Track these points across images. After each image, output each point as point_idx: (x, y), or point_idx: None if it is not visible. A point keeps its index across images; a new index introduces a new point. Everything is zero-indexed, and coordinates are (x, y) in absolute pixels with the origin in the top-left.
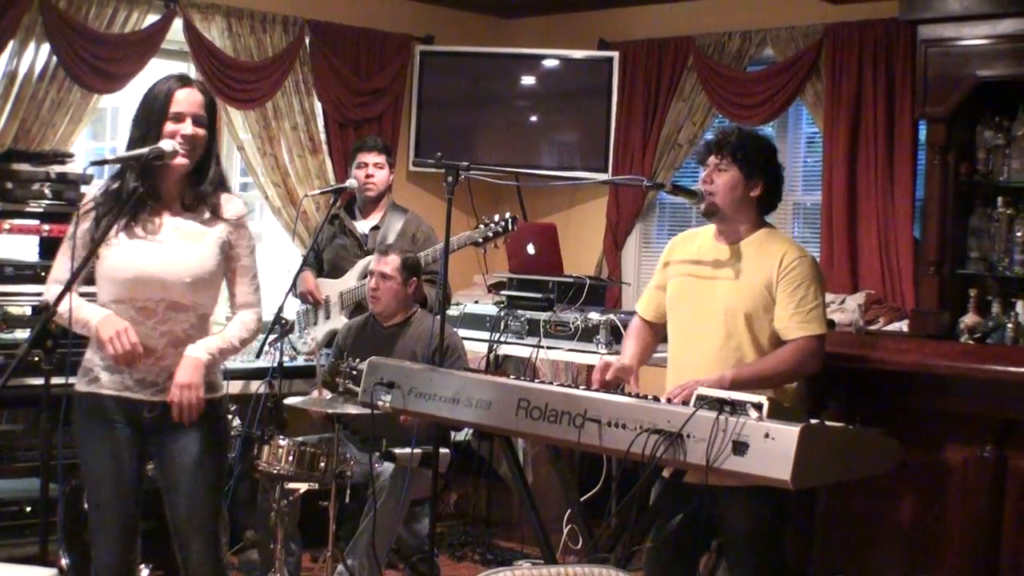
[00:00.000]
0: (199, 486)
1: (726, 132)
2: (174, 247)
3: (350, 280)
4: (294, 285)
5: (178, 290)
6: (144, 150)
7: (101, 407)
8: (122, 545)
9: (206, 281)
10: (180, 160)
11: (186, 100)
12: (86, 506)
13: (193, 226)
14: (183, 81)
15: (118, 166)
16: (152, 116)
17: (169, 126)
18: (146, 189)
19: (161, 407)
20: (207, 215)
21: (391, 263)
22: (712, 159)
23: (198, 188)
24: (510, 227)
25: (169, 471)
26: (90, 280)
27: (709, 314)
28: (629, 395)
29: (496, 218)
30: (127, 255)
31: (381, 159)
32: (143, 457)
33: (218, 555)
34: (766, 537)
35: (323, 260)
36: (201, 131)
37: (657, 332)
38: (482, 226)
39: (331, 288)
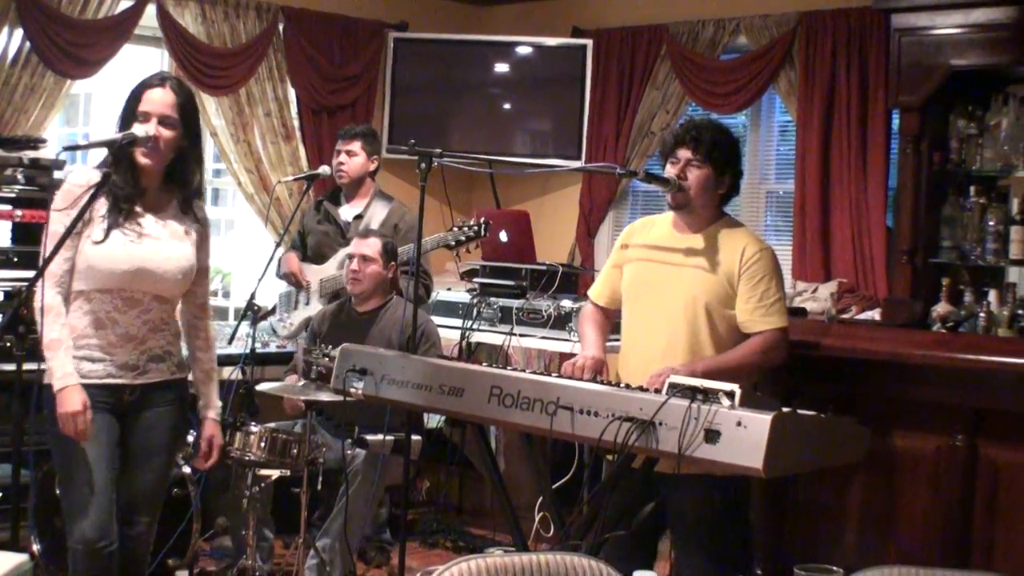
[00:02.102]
0: (161, 464)
1: (699, 126)
2: (167, 245)
3: (330, 268)
4: (278, 266)
5: (168, 284)
6: (117, 135)
7: (96, 394)
8: (107, 523)
9: (189, 278)
10: (143, 160)
11: (154, 100)
12: (59, 490)
13: (179, 227)
14: (161, 81)
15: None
16: (124, 113)
17: (136, 126)
18: (124, 182)
19: (140, 389)
20: (188, 218)
21: (372, 245)
22: (685, 152)
23: (186, 195)
24: (482, 233)
25: (136, 448)
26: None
27: (668, 302)
28: (602, 383)
29: (470, 222)
30: (126, 249)
31: (353, 146)
32: (120, 438)
33: (153, 534)
34: (716, 525)
35: (307, 244)
36: (167, 132)
37: (610, 318)
38: (455, 228)
39: (312, 275)
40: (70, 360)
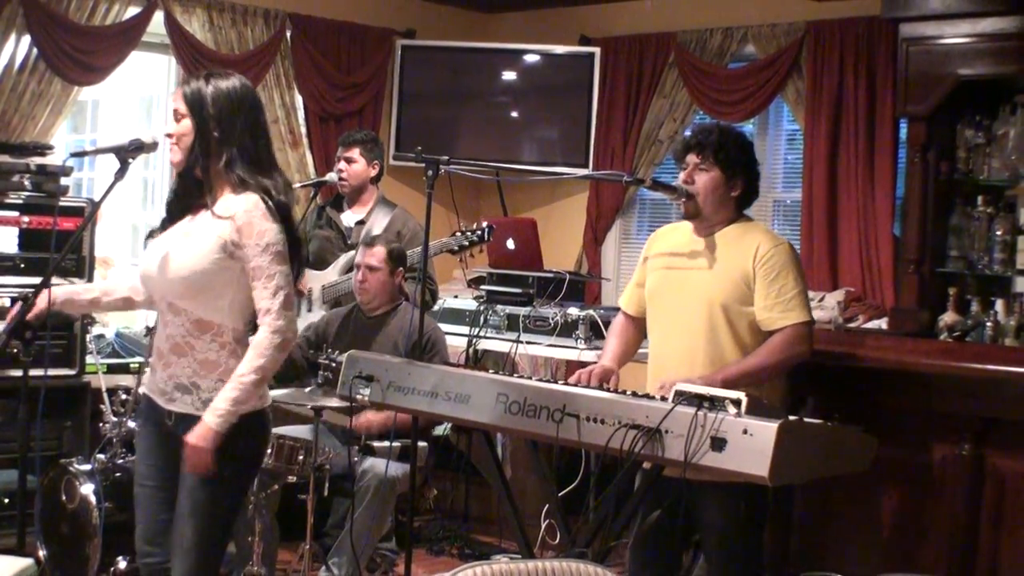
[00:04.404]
0: (185, 504)
1: (706, 130)
2: (173, 246)
3: (331, 274)
4: None
5: (170, 290)
6: (124, 141)
7: (145, 407)
8: (153, 536)
9: (195, 283)
10: (170, 158)
11: (173, 101)
12: None
13: (200, 223)
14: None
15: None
16: None
17: None
18: (173, 189)
19: (176, 417)
20: (212, 211)
21: (378, 254)
22: (692, 157)
23: (205, 188)
24: (486, 237)
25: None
26: None
27: (687, 306)
28: (608, 390)
29: (473, 226)
30: (143, 256)
31: (352, 153)
32: (172, 459)
33: None
34: (742, 533)
35: (308, 251)
36: (178, 127)
37: (640, 328)
38: (458, 234)
39: (314, 280)
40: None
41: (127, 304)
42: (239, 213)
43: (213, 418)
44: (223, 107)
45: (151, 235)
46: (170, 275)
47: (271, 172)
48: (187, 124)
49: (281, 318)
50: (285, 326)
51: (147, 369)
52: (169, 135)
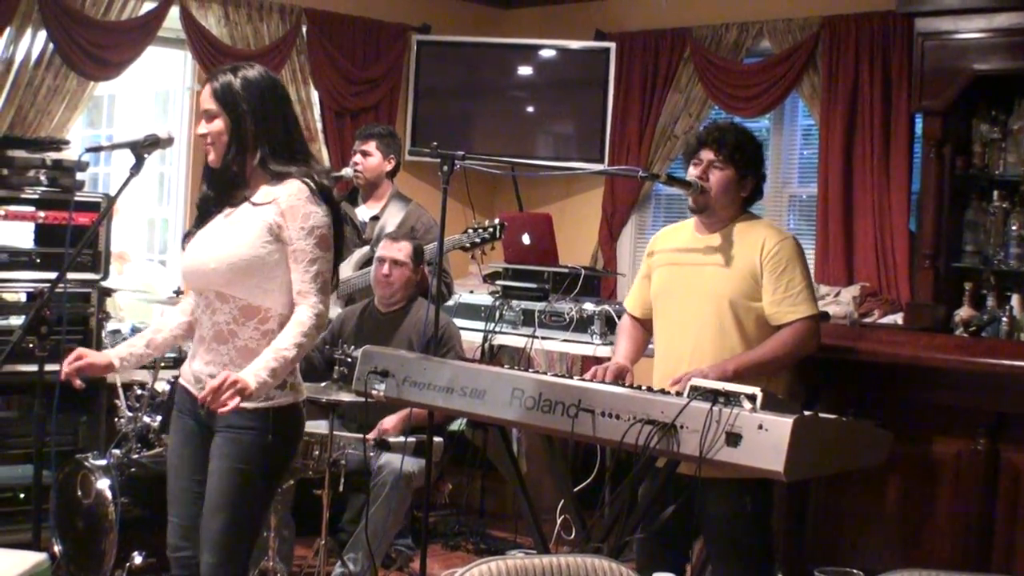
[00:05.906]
0: (213, 495)
1: (722, 128)
2: (219, 234)
3: (346, 270)
4: None
5: (216, 278)
6: (139, 136)
7: (180, 397)
8: (184, 531)
9: (243, 269)
10: (208, 157)
11: (201, 100)
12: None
13: (246, 214)
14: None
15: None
16: None
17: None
18: (207, 185)
19: (208, 407)
20: (254, 198)
21: (404, 249)
22: (707, 154)
23: (238, 181)
24: (498, 234)
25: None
26: None
27: (695, 303)
28: (623, 385)
29: (485, 223)
30: (188, 248)
31: (368, 146)
32: (202, 450)
33: None
34: (748, 529)
35: None
36: (212, 126)
37: (648, 329)
38: (470, 231)
39: None
40: (128, 343)
41: (186, 330)
42: (282, 197)
43: (251, 378)
44: (256, 99)
45: (187, 236)
46: (218, 263)
47: (307, 159)
48: (220, 123)
49: (321, 302)
50: (324, 310)
51: (162, 363)
52: (203, 136)
